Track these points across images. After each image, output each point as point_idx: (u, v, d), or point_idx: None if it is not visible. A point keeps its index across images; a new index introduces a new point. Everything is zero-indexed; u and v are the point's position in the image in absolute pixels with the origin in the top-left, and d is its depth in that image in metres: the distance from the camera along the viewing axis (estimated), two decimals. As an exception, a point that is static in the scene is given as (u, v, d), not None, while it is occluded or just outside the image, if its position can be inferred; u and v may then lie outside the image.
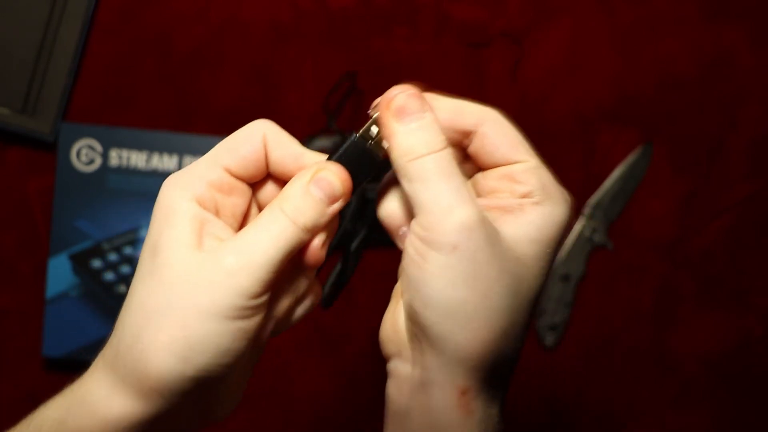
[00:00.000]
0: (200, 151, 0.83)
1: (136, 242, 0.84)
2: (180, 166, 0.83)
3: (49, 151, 0.85)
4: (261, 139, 0.41)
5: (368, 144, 0.43)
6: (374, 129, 0.43)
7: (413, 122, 0.40)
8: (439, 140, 0.40)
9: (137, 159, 0.84)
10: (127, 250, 0.84)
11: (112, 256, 0.84)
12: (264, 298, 0.39)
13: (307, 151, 0.42)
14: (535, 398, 0.91)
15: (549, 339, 0.89)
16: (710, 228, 0.89)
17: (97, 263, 0.84)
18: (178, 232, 0.39)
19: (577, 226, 0.88)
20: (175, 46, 0.85)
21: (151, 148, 0.84)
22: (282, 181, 0.42)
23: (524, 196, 0.41)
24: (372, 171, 0.43)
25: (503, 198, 0.41)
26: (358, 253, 0.62)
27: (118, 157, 0.84)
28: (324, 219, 0.40)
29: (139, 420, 0.39)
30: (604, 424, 0.91)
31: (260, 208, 0.43)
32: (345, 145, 0.43)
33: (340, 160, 0.42)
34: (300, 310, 0.44)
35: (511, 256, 0.39)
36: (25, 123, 0.83)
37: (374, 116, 0.43)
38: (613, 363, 0.90)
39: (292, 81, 0.85)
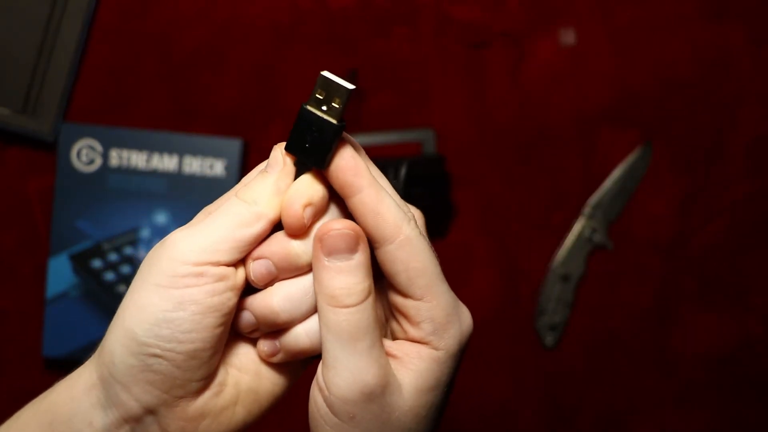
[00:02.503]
0: (200, 152, 0.83)
1: (137, 242, 0.84)
2: (180, 167, 0.83)
3: (50, 151, 0.85)
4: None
5: (321, 111, 0.40)
6: (320, 94, 0.40)
7: (341, 261, 0.39)
8: (361, 288, 0.39)
9: (137, 159, 0.84)
10: (128, 250, 0.84)
11: (113, 256, 0.84)
12: (203, 269, 0.38)
13: None
14: (535, 398, 0.90)
15: (549, 339, 0.89)
16: (710, 228, 0.89)
17: (97, 263, 0.84)
18: None
19: (577, 226, 0.88)
20: (176, 47, 0.85)
21: (151, 148, 0.83)
22: None
23: (418, 341, 0.40)
24: (333, 137, 0.39)
25: (401, 339, 0.41)
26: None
27: (118, 157, 0.83)
28: (267, 188, 0.40)
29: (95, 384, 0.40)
30: (605, 423, 0.91)
31: None
32: (297, 119, 0.40)
33: (293, 135, 0.40)
34: None
35: (406, 418, 0.39)
36: (25, 123, 0.82)
37: (320, 77, 0.39)
38: (613, 363, 0.90)
39: (293, 81, 0.85)
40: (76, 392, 0.41)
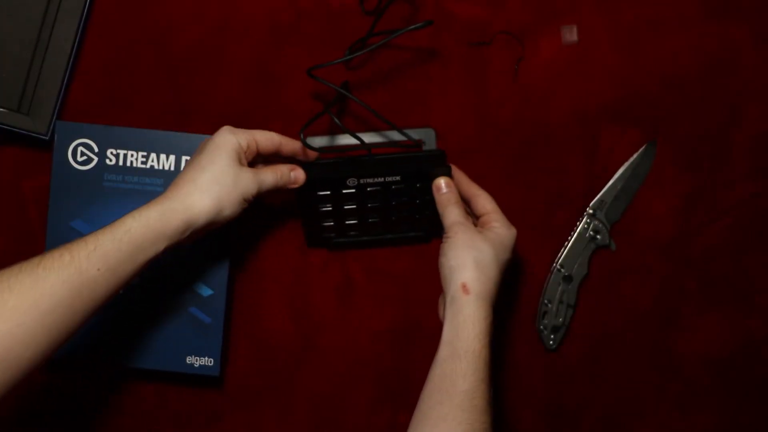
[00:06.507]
0: (198, 151, 0.82)
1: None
2: (177, 166, 0.83)
3: (45, 150, 0.84)
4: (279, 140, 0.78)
5: None
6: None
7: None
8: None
9: (134, 158, 0.83)
10: (124, 251, 0.83)
11: (109, 257, 0.83)
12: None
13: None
14: (538, 399, 0.90)
15: (551, 340, 0.88)
16: (713, 227, 0.89)
17: (93, 264, 0.83)
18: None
19: (580, 227, 0.87)
20: (174, 44, 0.85)
21: (147, 147, 0.83)
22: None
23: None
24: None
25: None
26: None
27: (114, 156, 0.83)
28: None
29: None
30: (608, 425, 0.91)
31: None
32: None
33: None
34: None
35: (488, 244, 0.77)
36: (21, 122, 0.82)
37: None
38: (616, 364, 0.90)
39: (291, 80, 0.85)
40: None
